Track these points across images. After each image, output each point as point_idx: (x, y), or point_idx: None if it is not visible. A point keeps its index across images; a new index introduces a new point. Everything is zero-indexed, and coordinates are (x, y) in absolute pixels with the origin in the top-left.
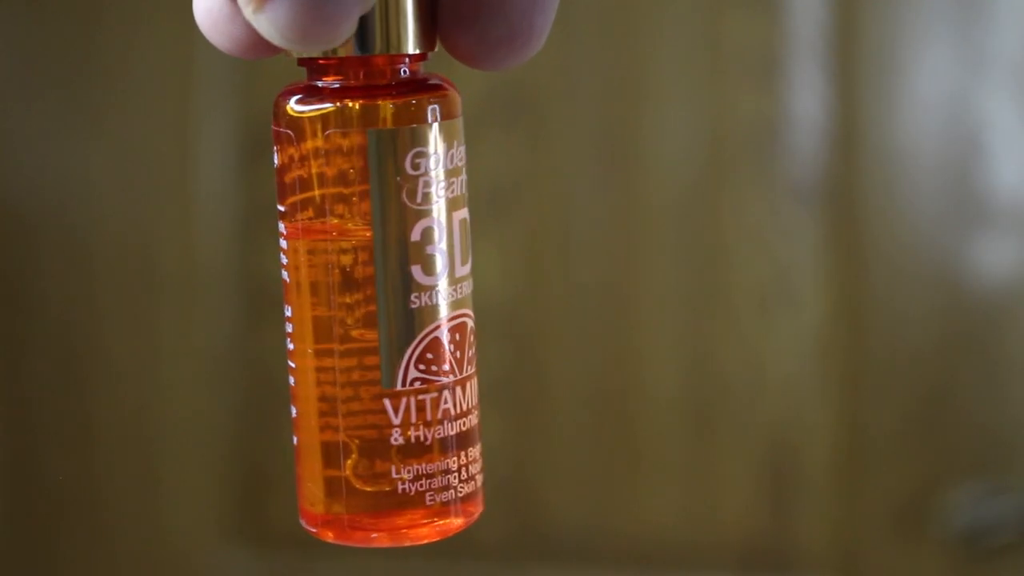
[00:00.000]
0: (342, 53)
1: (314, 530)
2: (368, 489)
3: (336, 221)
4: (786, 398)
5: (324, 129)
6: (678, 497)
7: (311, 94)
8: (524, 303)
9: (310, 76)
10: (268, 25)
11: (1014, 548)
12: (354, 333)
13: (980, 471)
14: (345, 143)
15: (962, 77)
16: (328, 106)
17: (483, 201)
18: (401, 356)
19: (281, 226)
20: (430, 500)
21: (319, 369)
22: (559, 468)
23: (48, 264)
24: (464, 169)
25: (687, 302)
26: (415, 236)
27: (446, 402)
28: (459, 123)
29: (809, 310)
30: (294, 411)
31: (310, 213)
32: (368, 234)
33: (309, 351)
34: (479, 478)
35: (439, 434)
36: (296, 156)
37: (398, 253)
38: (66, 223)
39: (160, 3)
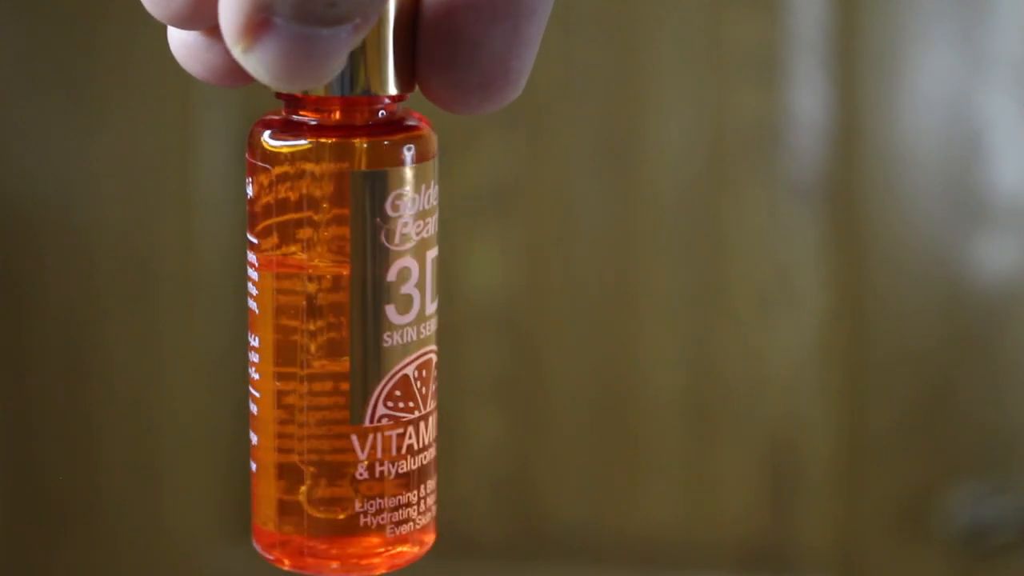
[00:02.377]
0: (323, 91)
1: (270, 556)
2: (326, 517)
3: (307, 256)
4: (786, 397)
5: (301, 165)
6: (678, 496)
7: (288, 129)
8: (524, 302)
9: (288, 109)
10: (257, 64)
11: (1014, 548)
12: (322, 368)
13: (980, 471)
14: (323, 181)
15: (962, 77)
16: (305, 143)
17: (483, 200)
18: (371, 393)
19: (252, 256)
20: (390, 532)
21: (284, 397)
22: (559, 467)
23: (48, 264)
24: (436, 208)
25: (687, 301)
26: (391, 276)
27: (410, 437)
28: (434, 164)
29: (809, 309)
30: (254, 438)
31: (283, 246)
32: (344, 271)
33: (276, 382)
34: (434, 508)
35: (402, 469)
36: (270, 189)
37: (374, 293)
38: (66, 222)
39: None
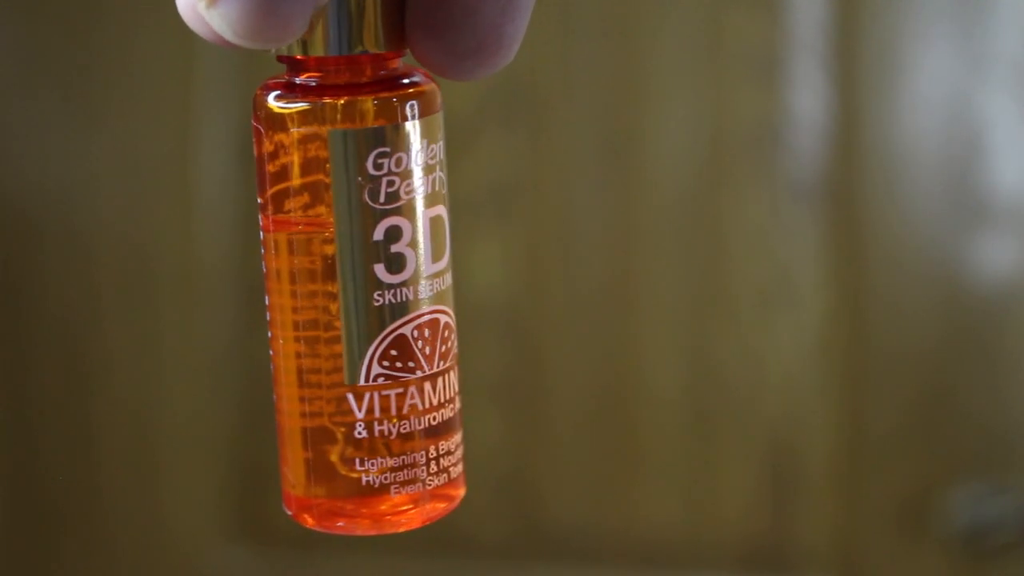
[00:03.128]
0: (319, 51)
1: (289, 512)
2: (336, 477)
3: (303, 216)
4: (786, 397)
5: (294, 126)
6: (678, 496)
7: (287, 90)
8: (524, 302)
9: (289, 72)
10: (220, 21)
11: (1014, 548)
12: (321, 328)
13: (980, 471)
14: (314, 141)
15: (963, 76)
16: (300, 104)
17: (484, 200)
18: (364, 352)
19: (260, 218)
20: (394, 492)
21: (290, 357)
22: (559, 467)
23: (48, 263)
24: (441, 165)
25: (688, 301)
26: (378, 235)
27: (413, 397)
28: (436, 119)
29: (809, 309)
30: (274, 396)
31: (282, 207)
32: (333, 232)
33: (281, 340)
34: (458, 465)
35: (405, 428)
36: (270, 151)
37: (361, 252)
38: (66, 222)
39: (161, 1)
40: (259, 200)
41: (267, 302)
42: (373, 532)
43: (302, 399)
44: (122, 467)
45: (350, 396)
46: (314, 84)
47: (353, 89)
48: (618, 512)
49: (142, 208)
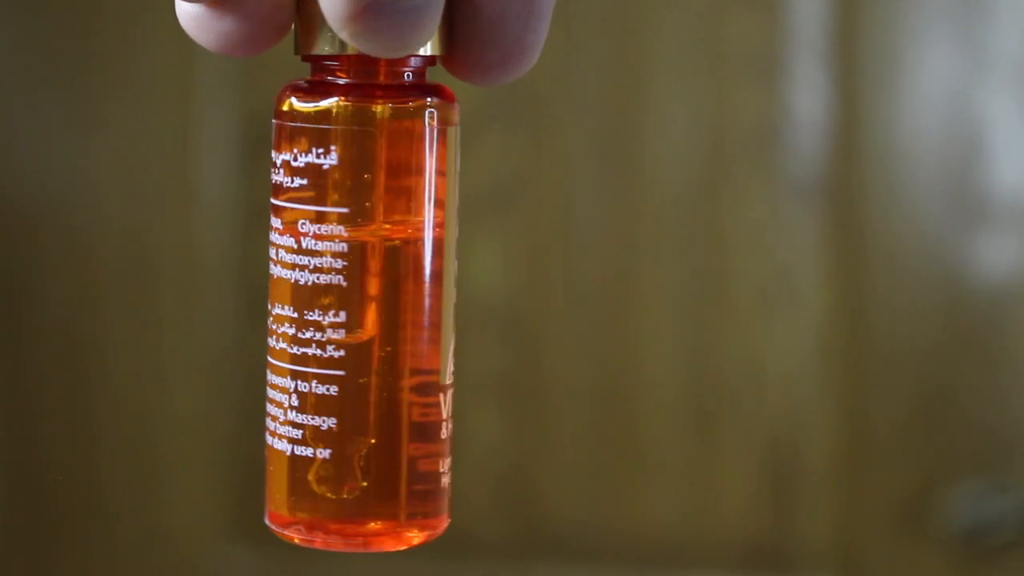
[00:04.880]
0: (351, 50)
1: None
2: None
3: (393, 218)
4: (787, 396)
5: (438, 122)
6: (679, 495)
7: (396, 92)
8: (525, 301)
9: (317, 72)
10: (368, 43)
11: (1014, 547)
12: (412, 327)
13: (980, 470)
14: (440, 140)
15: (963, 76)
16: (385, 105)
17: (484, 199)
18: (448, 352)
19: (328, 227)
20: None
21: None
22: (559, 466)
23: (48, 263)
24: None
25: (688, 300)
26: (457, 230)
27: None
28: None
29: (810, 308)
30: (330, 422)
31: (398, 212)
32: (420, 232)
33: (378, 349)
34: None
35: (449, 428)
36: (314, 153)
37: (451, 248)
38: (67, 221)
39: (161, 2)
40: (327, 209)
41: (336, 318)
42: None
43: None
44: (122, 467)
45: (440, 396)
46: (345, 83)
47: (441, 89)
48: (618, 512)
49: (142, 208)
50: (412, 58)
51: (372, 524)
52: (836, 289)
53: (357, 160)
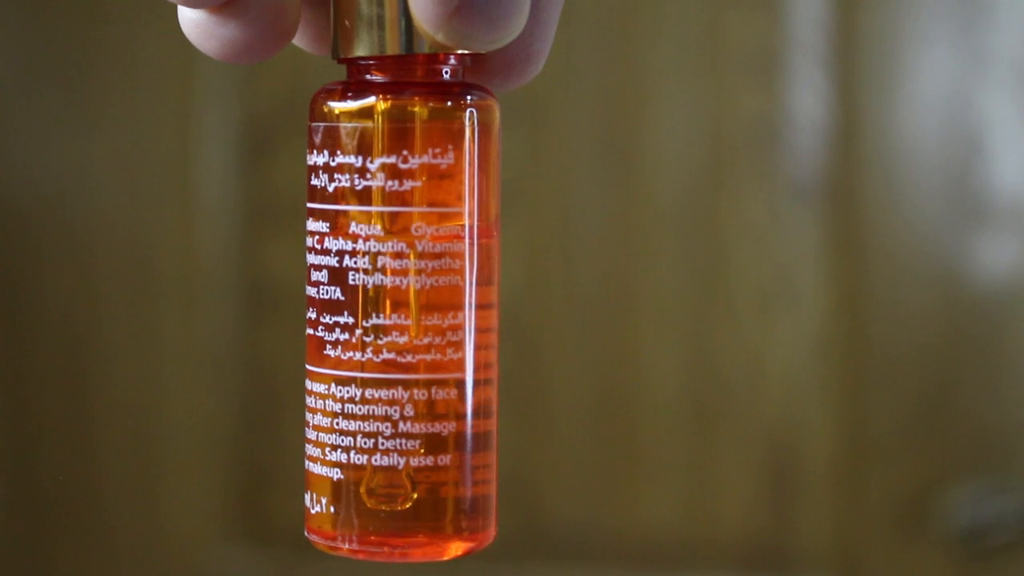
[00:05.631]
0: (391, 51)
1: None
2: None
3: (453, 217)
4: (786, 397)
5: (445, 122)
6: (678, 496)
7: (451, 90)
8: (524, 302)
9: (357, 72)
10: (464, 39)
11: (1014, 547)
12: (483, 333)
13: (980, 470)
14: (494, 134)
15: (962, 76)
16: (489, 101)
17: None
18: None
19: (368, 228)
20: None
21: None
22: (559, 467)
23: (48, 263)
24: None
25: (687, 301)
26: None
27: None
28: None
29: (809, 309)
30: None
31: (493, 213)
32: (489, 231)
33: (476, 352)
34: None
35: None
36: (431, 154)
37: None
38: (66, 221)
39: (161, 2)
40: (404, 210)
41: (436, 321)
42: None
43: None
44: (122, 467)
45: (495, 405)
46: (390, 82)
47: (477, 86)
48: (618, 512)
49: (142, 208)
50: (464, 55)
51: (422, 536)
52: (836, 289)
53: (469, 159)
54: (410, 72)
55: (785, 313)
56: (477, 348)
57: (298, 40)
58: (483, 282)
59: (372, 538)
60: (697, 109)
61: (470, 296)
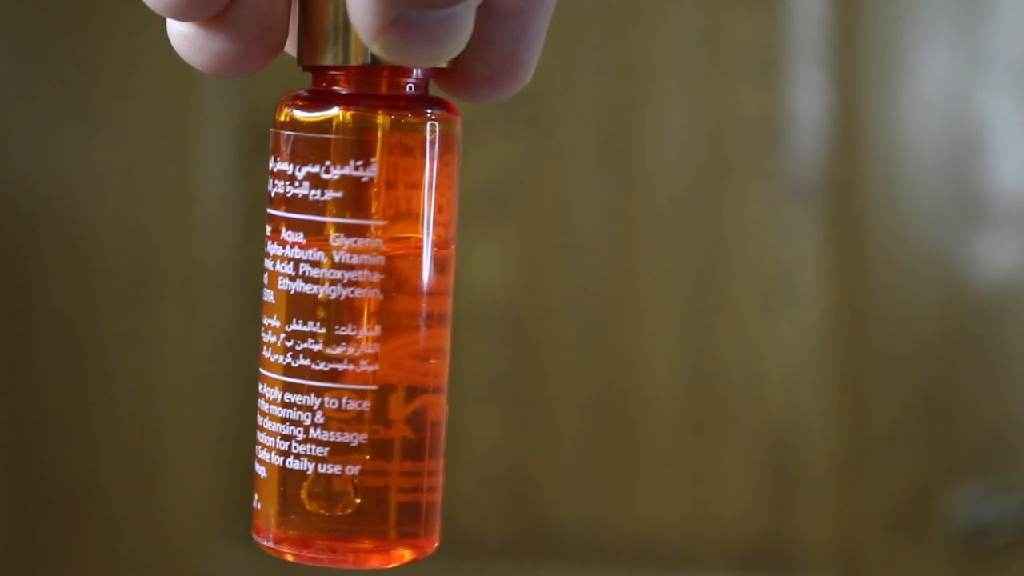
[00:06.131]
0: (356, 61)
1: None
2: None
3: (444, 232)
4: (787, 397)
5: (451, 134)
6: (678, 496)
7: (412, 103)
8: (525, 302)
9: (319, 82)
10: (398, 54)
11: (1014, 547)
12: (430, 340)
13: (980, 470)
14: (452, 151)
15: (963, 76)
16: (442, 114)
17: (484, 200)
18: (447, 368)
19: (347, 239)
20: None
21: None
22: (559, 467)
23: (48, 263)
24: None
25: (688, 301)
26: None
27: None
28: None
29: (810, 309)
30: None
31: (448, 228)
32: (430, 246)
33: (377, 362)
34: None
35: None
36: (324, 165)
37: (454, 261)
38: (66, 221)
39: None
40: (343, 221)
41: (349, 331)
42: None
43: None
44: (122, 467)
45: (444, 413)
46: (347, 93)
47: (446, 102)
48: (618, 512)
49: (142, 208)
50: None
51: (364, 543)
52: (836, 289)
53: (392, 172)
54: (372, 84)
55: (785, 313)
56: (413, 359)
57: (290, 49)
58: (421, 293)
59: (320, 542)
60: (697, 109)
61: (402, 307)
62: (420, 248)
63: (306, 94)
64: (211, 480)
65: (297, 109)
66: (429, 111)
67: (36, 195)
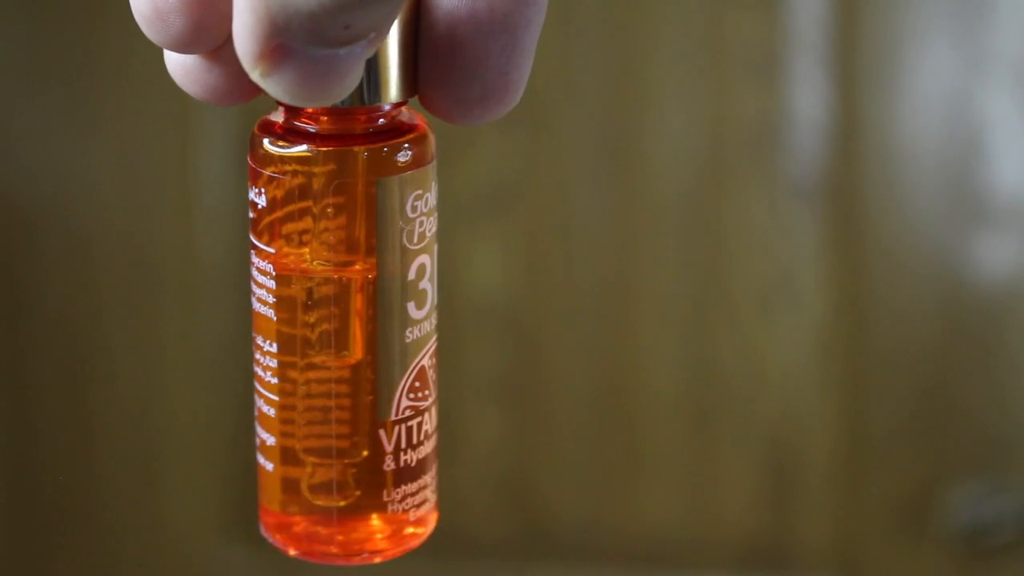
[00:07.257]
0: (348, 101)
1: (290, 549)
2: (366, 510)
3: (328, 259)
4: (787, 397)
5: (314, 170)
6: (678, 495)
7: (310, 139)
8: (525, 302)
9: (302, 119)
10: (276, 87)
11: (1014, 547)
12: (344, 364)
13: (980, 470)
14: (347, 187)
15: (963, 76)
16: (320, 150)
17: (484, 200)
18: (396, 388)
19: (263, 262)
20: (412, 516)
21: (301, 395)
22: (560, 466)
23: (48, 263)
24: (436, 208)
25: (688, 301)
26: (411, 275)
27: (427, 423)
28: (436, 163)
29: (810, 309)
30: (269, 438)
31: (303, 250)
32: (362, 273)
33: (294, 383)
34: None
35: (421, 454)
36: (289, 195)
37: (400, 293)
38: (66, 222)
39: None
40: (263, 246)
41: (267, 347)
42: (401, 551)
43: (309, 436)
44: (122, 467)
45: (381, 432)
46: (330, 134)
47: (384, 135)
48: (619, 511)
49: (142, 208)
50: (392, 103)
51: (367, 532)
52: (836, 289)
53: (350, 203)
54: (349, 120)
55: (785, 313)
56: (291, 380)
57: None
58: (381, 309)
59: (327, 534)
60: (698, 109)
61: (290, 330)
62: (335, 275)
63: (288, 132)
64: (211, 480)
65: (287, 148)
66: (420, 140)
67: (36, 195)
